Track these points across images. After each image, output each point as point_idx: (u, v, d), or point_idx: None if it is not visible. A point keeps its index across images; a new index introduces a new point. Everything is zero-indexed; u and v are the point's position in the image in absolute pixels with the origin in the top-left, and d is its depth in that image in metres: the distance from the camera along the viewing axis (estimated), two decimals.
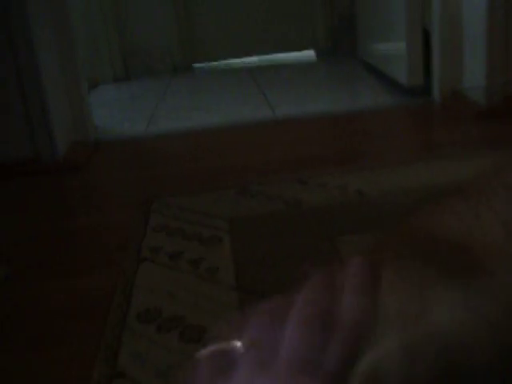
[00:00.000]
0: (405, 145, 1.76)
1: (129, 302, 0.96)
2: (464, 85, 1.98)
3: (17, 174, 1.72)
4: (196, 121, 2.26)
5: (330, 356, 0.30)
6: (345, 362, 0.30)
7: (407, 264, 0.38)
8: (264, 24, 3.40)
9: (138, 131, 2.21)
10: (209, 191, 1.45)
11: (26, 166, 1.73)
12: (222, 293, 0.97)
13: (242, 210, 1.32)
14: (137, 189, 1.61)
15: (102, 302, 0.99)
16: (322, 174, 1.48)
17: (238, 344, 0.32)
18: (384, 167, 1.49)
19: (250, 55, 3.49)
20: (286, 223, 1.24)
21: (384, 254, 0.43)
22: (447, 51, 2.00)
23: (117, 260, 1.14)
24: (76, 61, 1.97)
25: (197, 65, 3.49)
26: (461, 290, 0.43)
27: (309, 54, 3.52)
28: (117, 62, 3.31)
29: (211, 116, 2.33)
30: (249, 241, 1.17)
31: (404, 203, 1.17)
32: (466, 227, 0.55)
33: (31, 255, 1.24)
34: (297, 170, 1.55)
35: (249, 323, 0.33)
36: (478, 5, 1.80)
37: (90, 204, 1.56)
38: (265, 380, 0.30)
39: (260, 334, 0.32)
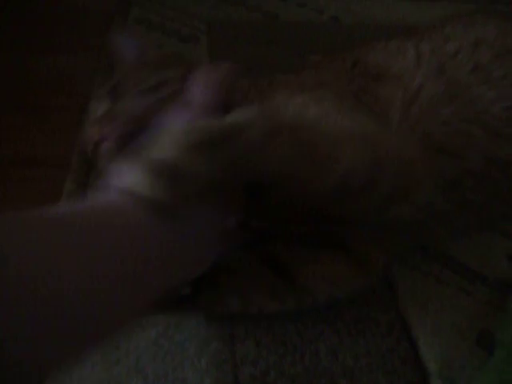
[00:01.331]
0: None
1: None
2: None
3: None
4: None
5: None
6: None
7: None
8: None
9: None
10: None
11: None
12: None
13: (221, 15, 1.37)
14: None
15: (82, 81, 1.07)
16: None
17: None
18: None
19: None
20: (261, 33, 1.30)
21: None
22: None
23: (98, 43, 1.19)
24: None
25: None
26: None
27: None
28: None
29: None
30: (224, 44, 1.24)
31: (371, 36, 1.24)
32: (387, 61, 0.66)
33: (13, 31, 1.26)
34: None
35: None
36: None
37: None
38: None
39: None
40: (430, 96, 0.62)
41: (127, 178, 0.40)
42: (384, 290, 0.66)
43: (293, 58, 1.20)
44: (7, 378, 0.30)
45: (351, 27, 1.37)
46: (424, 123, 0.61)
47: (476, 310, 0.63)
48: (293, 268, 0.58)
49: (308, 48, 1.25)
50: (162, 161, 0.40)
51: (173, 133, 0.42)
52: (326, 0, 1.49)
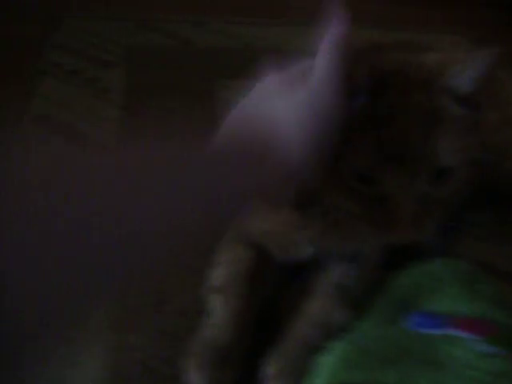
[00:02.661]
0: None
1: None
2: None
3: None
4: None
5: None
6: None
7: None
8: None
9: None
10: (110, 19, 1.57)
11: None
12: (110, 110, 1.16)
13: (139, 41, 1.47)
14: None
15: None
16: (218, 22, 1.63)
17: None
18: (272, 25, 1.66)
19: None
20: (175, 59, 1.41)
21: None
22: None
23: (16, 70, 1.27)
24: None
25: None
26: None
27: None
28: None
29: None
30: (141, 69, 1.34)
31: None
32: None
33: None
34: (198, 13, 1.68)
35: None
36: None
37: None
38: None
39: None
40: None
41: None
42: None
43: (204, 82, 1.31)
44: None
45: (263, 53, 1.49)
46: None
47: None
48: None
49: (219, 73, 1.36)
50: None
51: None
52: (241, 27, 1.62)
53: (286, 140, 0.48)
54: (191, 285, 0.76)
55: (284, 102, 0.52)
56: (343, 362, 0.62)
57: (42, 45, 1.38)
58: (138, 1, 1.72)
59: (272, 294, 0.77)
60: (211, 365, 0.63)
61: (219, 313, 0.69)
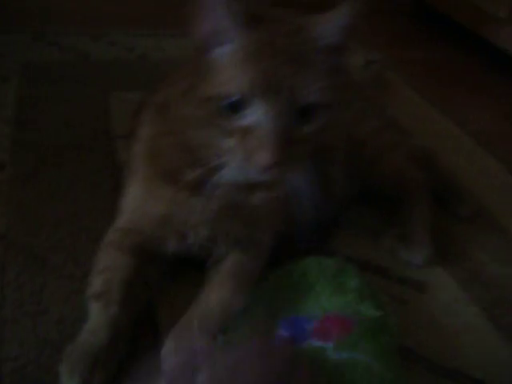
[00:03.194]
0: None
1: None
2: None
3: None
4: None
5: None
6: None
7: None
8: None
9: None
10: (6, 33, 1.56)
11: None
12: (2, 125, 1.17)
13: (35, 56, 1.48)
14: None
15: None
16: (116, 34, 1.66)
17: None
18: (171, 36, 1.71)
19: None
20: (72, 73, 1.43)
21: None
22: None
23: None
24: None
25: None
26: None
27: None
28: None
29: None
30: (36, 83, 1.35)
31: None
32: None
33: None
34: (94, 26, 1.70)
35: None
36: None
37: None
38: None
39: None
40: None
41: None
42: None
43: (99, 94, 1.34)
44: None
45: (159, 63, 1.53)
46: None
47: None
48: None
49: (115, 85, 1.39)
50: None
51: None
52: (136, 39, 1.65)
53: None
54: (70, 293, 0.80)
55: None
56: None
57: None
58: (35, 14, 1.73)
59: (155, 294, 0.81)
60: (82, 368, 0.65)
61: (95, 319, 0.72)
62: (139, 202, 0.78)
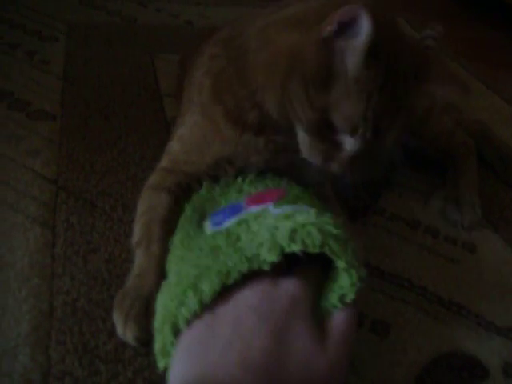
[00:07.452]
0: None
1: None
2: None
3: None
4: None
5: None
6: None
7: None
8: None
9: None
10: None
11: None
12: (50, 80, 1.18)
13: (82, 18, 1.49)
14: None
15: None
16: (162, 1, 1.66)
17: None
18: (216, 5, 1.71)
19: None
20: (118, 35, 1.43)
21: None
22: None
23: None
24: None
25: None
26: None
27: None
28: None
29: None
30: (82, 44, 1.36)
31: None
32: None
33: None
34: None
35: None
36: None
37: None
38: None
39: None
40: None
41: None
42: None
43: (145, 56, 1.34)
44: None
45: (203, 30, 1.53)
46: None
47: None
48: None
49: (161, 48, 1.39)
50: None
51: None
52: (182, 6, 1.65)
53: None
54: (119, 235, 0.80)
55: None
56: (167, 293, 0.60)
57: None
58: None
59: None
60: (135, 313, 0.64)
61: (139, 262, 0.70)
62: (199, 140, 0.76)
